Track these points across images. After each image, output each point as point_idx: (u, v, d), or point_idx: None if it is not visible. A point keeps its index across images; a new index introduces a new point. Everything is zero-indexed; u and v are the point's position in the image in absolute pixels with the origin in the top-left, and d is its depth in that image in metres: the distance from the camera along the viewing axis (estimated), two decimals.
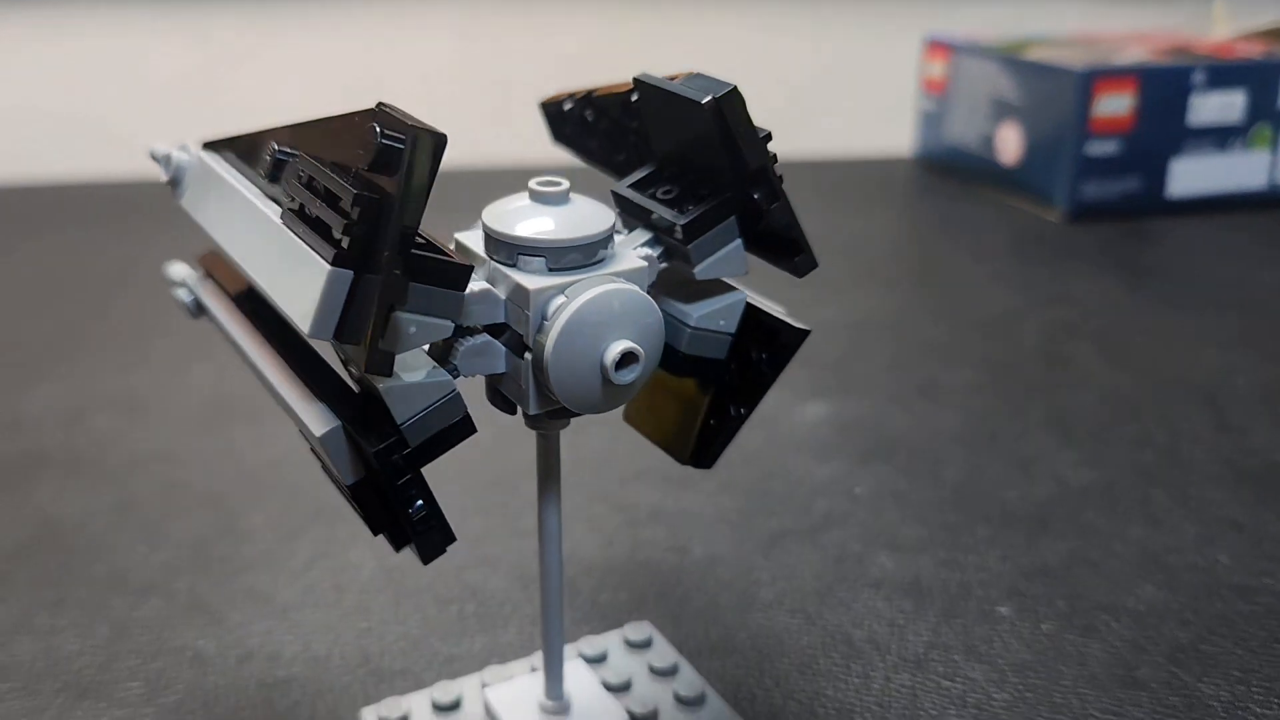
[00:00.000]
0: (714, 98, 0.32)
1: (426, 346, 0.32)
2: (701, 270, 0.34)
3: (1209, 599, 0.51)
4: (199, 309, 0.39)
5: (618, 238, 0.36)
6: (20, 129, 1.31)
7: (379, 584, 0.52)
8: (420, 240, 0.30)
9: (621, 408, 0.39)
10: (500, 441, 0.56)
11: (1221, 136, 1.14)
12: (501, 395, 0.35)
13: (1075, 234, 1.08)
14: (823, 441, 0.66)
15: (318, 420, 0.31)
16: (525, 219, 0.33)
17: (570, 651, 0.45)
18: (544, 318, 0.32)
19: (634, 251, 0.34)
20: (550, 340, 0.31)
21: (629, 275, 0.33)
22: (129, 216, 1.10)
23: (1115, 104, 1.09)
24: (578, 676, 0.43)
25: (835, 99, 1.48)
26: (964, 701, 0.45)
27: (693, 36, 1.47)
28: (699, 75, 0.34)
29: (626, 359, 0.32)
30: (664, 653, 0.45)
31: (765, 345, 0.37)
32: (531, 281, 0.32)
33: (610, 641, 0.46)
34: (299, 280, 0.29)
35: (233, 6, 1.34)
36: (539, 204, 0.34)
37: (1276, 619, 0.50)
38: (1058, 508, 0.59)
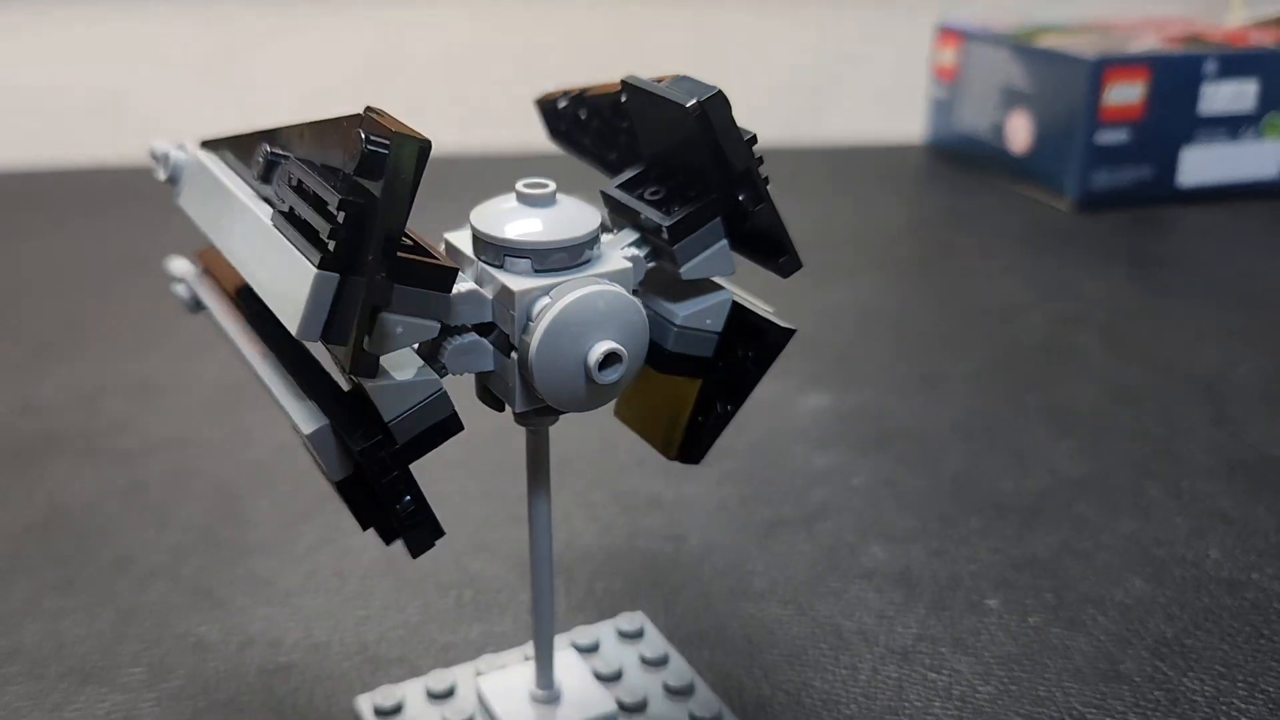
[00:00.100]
0: (698, 101, 0.32)
1: (415, 345, 0.33)
2: (687, 271, 0.35)
3: (1196, 593, 0.51)
4: (197, 305, 0.40)
5: (607, 237, 0.36)
6: (42, 113, 1.32)
7: (380, 570, 0.53)
8: (407, 242, 0.31)
9: (612, 403, 0.40)
10: (503, 429, 0.56)
11: (1234, 126, 1.14)
12: (490, 393, 0.36)
13: (1085, 223, 1.08)
14: (823, 431, 0.67)
15: (306, 418, 0.32)
16: (511, 220, 0.34)
17: (563, 641, 0.46)
18: (529, 318, 0.33)
19: (619, 252, 0.35)
20: (535, 341, 0.32)
21: (614, 276, 0.34)
22: (151, 199, 1.11)
23: (1126, 93, 1.09)
24: (569, 666, 0.44)
25: (847, 85, 1.48)
26: (949, 694, 0.45)
27: (708, 21, 1.47)
28: (685, 78, 0.34)
29: (609, 359, 0.33)
30: (655, 643, 0.46)
31: (752, 344, 0.37)
32: (517, 283, 0.33)
33: (603, 631, 0.47)
34: (288, 282, 0.30)
35: None
36: (526, 205, 0.34)
37: (1262, 614, 0.50)
38: (1051, 499, 0.59)
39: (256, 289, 0.32)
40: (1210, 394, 0.72)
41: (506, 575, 0.53)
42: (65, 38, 1.32)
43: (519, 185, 0.34)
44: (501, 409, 0.36)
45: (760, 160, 0.34)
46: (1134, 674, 0.46)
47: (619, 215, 0.37)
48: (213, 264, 0.40)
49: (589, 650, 0.46)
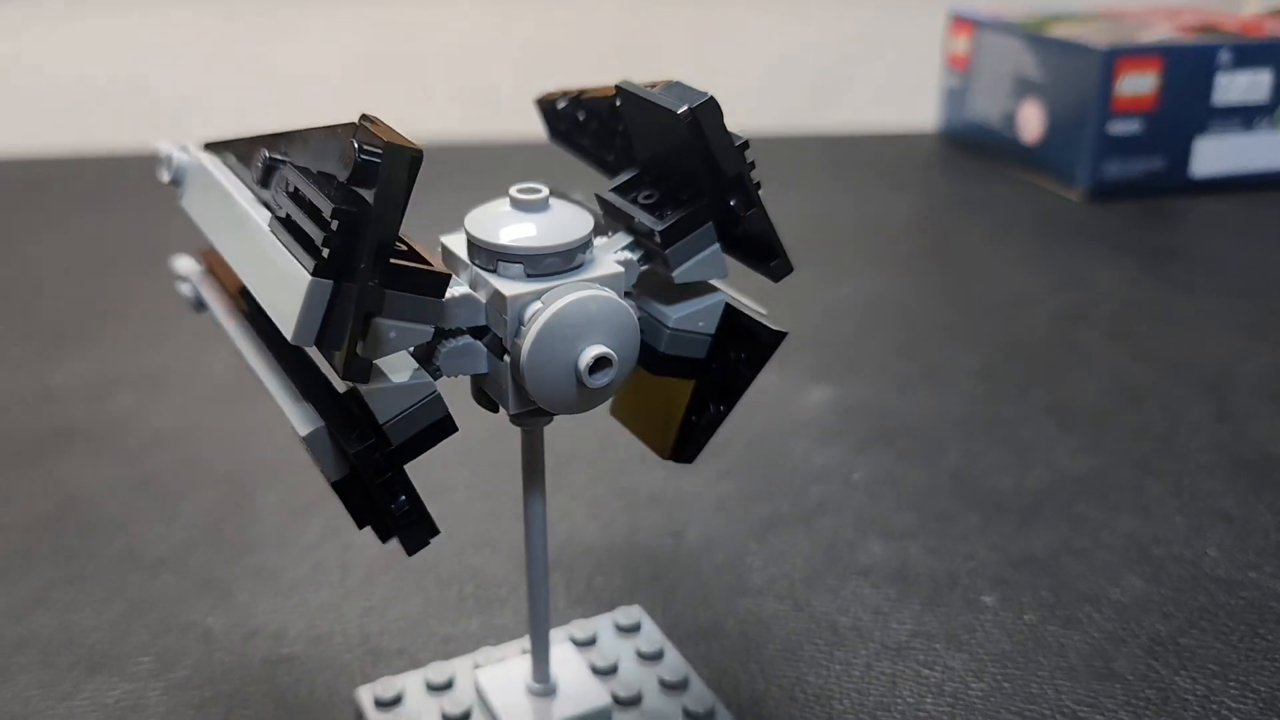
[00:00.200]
0: (690, 108, 0.33)
1: (410, 348, 0.34)
2: (680, 274, 0.35)
3: (1193, 591, 0.52)
4: (200, 304, 0.40)
5: (602, 241, 0.37)
6: (64, 102, 1.33)
7: (383, 563, 0.54)
8: (401, 248, 0.32)
9: (609, 403, 0.40)
10: (506, 426, 0.56)
11: (1248, 116, 1.13)
12: (485, 394, 0.36)
13: (1096, 213, 1.08)
14: (825, 426, 0.67)
15: (303, 420, 0.33)
16: (505, 225, 0.34)
17: (561, 634, 0.47)
18: (521, 323, 0.33)
19: (612, 256, 0.35)
20: (526, 345, 0.33)
21: (605, 281, 0.34)
22: (169, 189, 1.12)
23: (1138, 83, 1.08)
24: (566, 659, 0.45)
25: (860, 74, 1.48)
26: (941, 690, 0.46)
27: (722, 12, 1.46)
28: (677, 84, 0.35)
29: (600, 364, 0.33)
30: (652, 637, 0.47)
31: (744, 346, 0.38)
32: (509, 288, 0.33)
33: (600, 625, 0.48)
34: (284, 287, 0.31)
35: None
36: (519, 210, 0.35)
37: (1258, 613, 0.50)
38: (1051, 497, 0.59)
39: (254, 293, 0.33)
40: (1216, 390, 0.72)
41: (507, 570, 0.54)
42: (85, 27, 1.33)
43: (512, 190, 0.35)
44: (496, 410, 0.37)
45: (752, 165, 0.35)
46: (1127, 672, 0.47)
47: (614, 218, 0.37)
48: (215, 263, 0.41)
49: (586, 644, 0.47)
